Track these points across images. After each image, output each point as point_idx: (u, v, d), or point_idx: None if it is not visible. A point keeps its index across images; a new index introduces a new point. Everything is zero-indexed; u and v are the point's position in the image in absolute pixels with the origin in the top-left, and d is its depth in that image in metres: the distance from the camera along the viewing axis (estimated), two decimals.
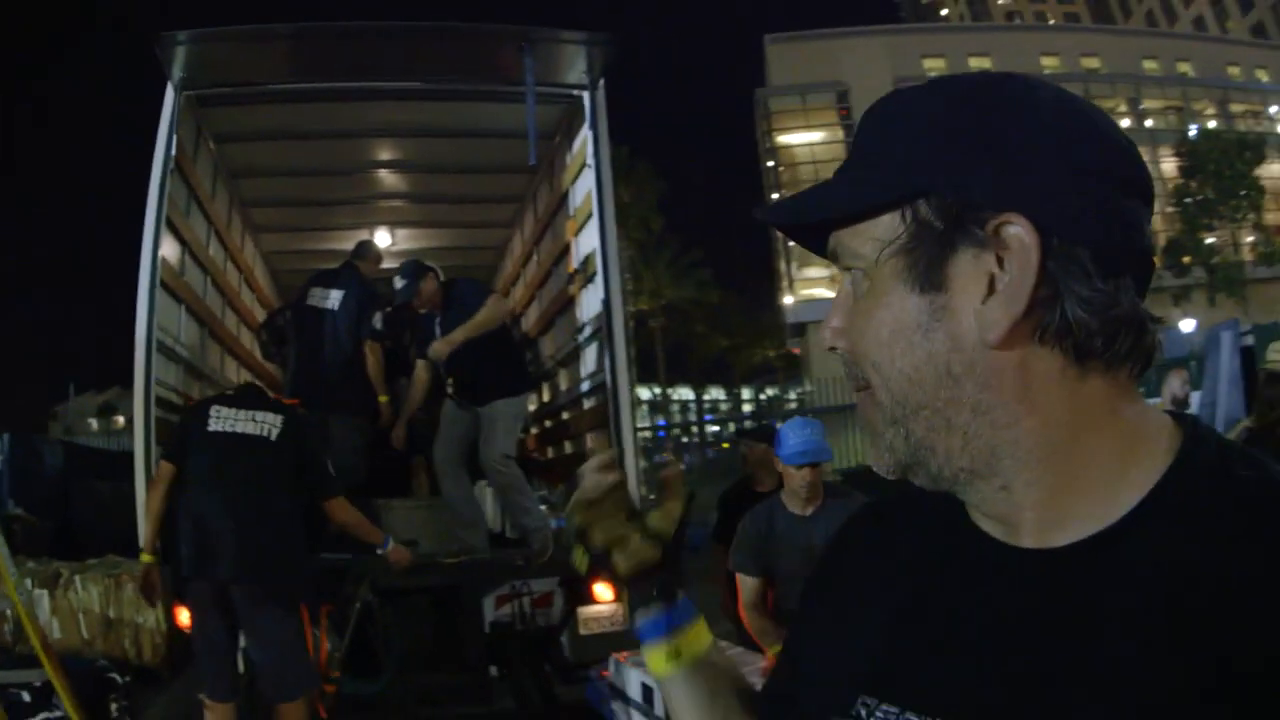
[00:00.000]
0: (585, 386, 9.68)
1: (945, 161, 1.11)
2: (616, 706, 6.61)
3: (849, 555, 1.47)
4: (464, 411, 8.83)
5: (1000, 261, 1.07)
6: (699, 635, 1.64)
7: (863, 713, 1.19)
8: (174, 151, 7.93)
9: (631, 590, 1.66)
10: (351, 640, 7.49)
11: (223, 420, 6.84)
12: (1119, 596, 1.03)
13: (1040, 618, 1.08)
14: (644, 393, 61.54)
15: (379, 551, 7.27)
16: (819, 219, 1.21)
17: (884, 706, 1.17)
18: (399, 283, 8.92)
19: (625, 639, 7.90)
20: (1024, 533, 1.13)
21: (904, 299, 1.12)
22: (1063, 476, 1.09)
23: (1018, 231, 1.06)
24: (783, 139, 75.51)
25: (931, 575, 1.25)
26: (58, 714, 6.49)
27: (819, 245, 1.27)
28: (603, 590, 8.24)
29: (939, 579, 1.23)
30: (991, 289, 1.08)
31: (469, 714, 7.51)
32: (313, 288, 9.48)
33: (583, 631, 8.25)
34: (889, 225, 1.13)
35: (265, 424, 6.87)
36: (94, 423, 69.47)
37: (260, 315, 12.30)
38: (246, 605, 6.62)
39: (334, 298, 9.32)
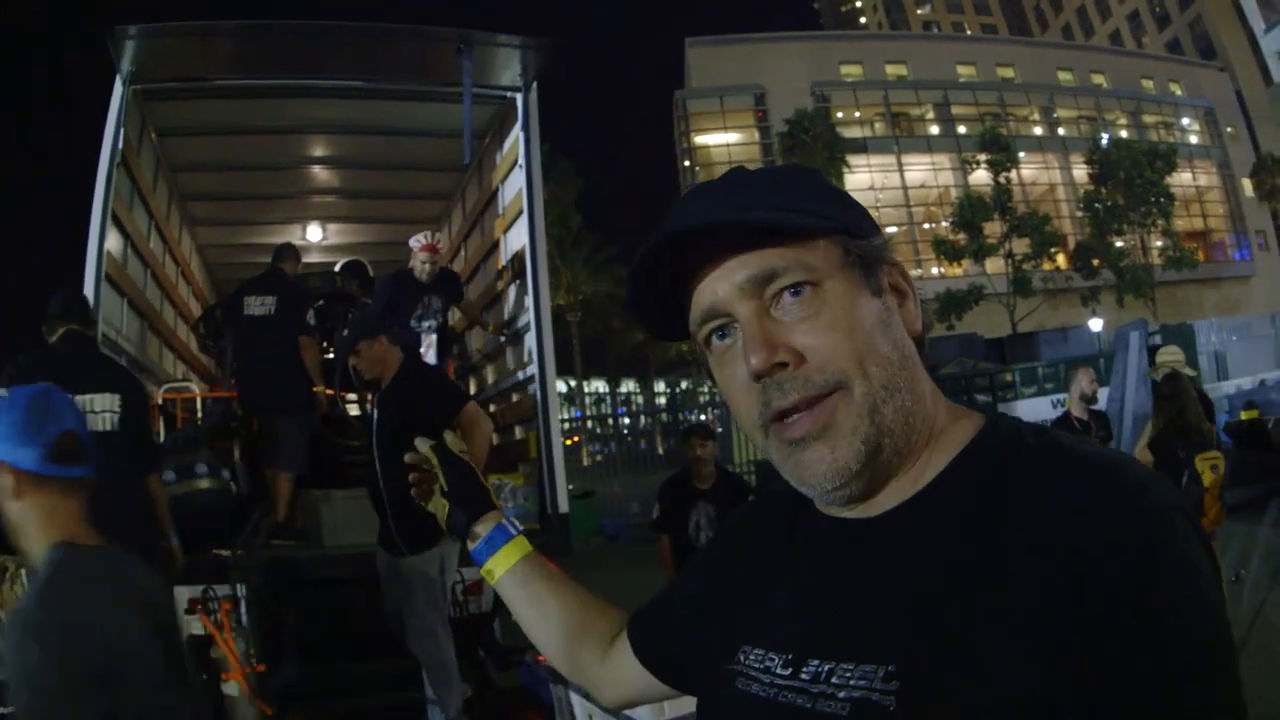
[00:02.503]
0: (513, 380, 9.81)
1: (844, 213, 1.49)
2: (556, 690, 6.49)
3: (737, 535, 1.86)
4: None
5: (896, 278, 1.51)
6: (509, 553, 2.16)
7: (741, 657, 1.56)
8: (120, 145, 7.97)
9: (453, 534, 2.27)
10: (264, 631, 7.42)
11: None
12: (899, 547, 1.41)
13: (857, 567, 1.46)
14: (560, 385, 61.21)
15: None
16: (770, 224, 1.42)
17: (755, 650, 1.54)
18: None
19: None
20: (857, 508, 1.50)
21: (869, 300, 1.44)
22: (909, 454, 1.46)
23: (897, 262, 1.52)
24: (700, 139, 75.73)
25: (788, 548, 1.64)
26: None
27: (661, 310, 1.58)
28: None
29: (792, 550, 1.63)
30: (901, 297, 1.50)
31: (404, 701, 7.51)
32: (246, 297, 9.57)
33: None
34: (826, 249, 1.43)
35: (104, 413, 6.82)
36: None
37: (196, 308, 12.43)
38: None
39: (268, 303, 9.47)
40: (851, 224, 1.48)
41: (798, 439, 1.41)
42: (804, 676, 1.41)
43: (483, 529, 2.18)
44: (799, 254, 1.42)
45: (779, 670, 1.46)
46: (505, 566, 2.13)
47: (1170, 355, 11.01)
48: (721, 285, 1.45)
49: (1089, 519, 1.22)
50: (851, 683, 1.33)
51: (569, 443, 38.06)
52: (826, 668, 1.38)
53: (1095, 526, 1.22)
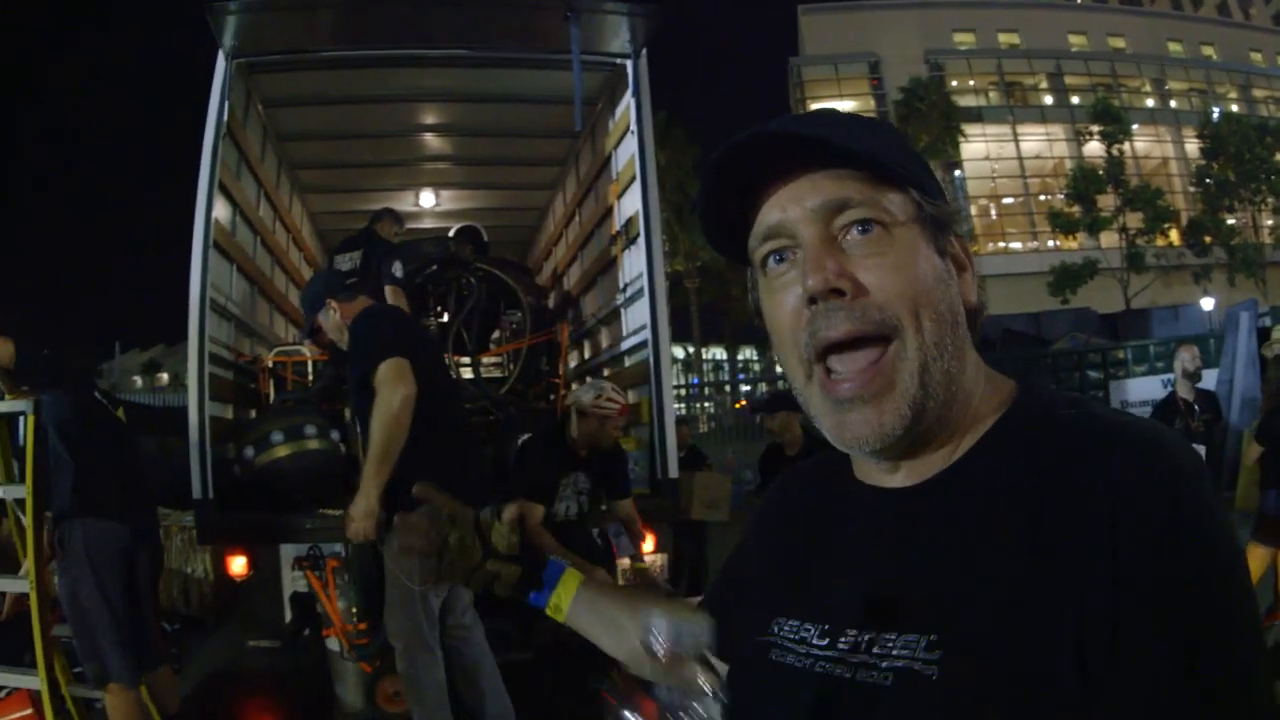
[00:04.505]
0: (626, 345, 9.80)
1: (924, 172, 1.49)
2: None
3: (771, 511, 1.86)
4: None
5: (958, 250, 1.51)
6: (568, 585, 2.02)
7: (775, 629, 1.56)
8: (225, 117, 8.04)
9: (517, 595, 2.05)
10: (366, 590, 7.47)
11: None
12: (939, 519, 1.40)
13: (895, 537, 1.45)
14: (678, 351, 61.61)
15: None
16: (858, 152, 1.40)
17: (790, 621, 1.53)
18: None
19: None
20: (893, 476, 1.50)
21: (932, 257, 1.44)
22: (949, 421, 1.45)
23: (961, 234, 1.53)
24: (815, 106, 75.31)
25: (824, 520, 1.63)
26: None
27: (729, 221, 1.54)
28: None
29: (829, 521, 1.61)
30: (960, 269, 1.50)
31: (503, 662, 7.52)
32: (336, 255, 9.82)
33: (621, 582, 8.22)
34: (902, 199, 1.43)
35: None
36: (139, 380, 69.68)
37: (307, 274, 12.50)
38: None
39: (354, 258, 9.81)
40: (929, 184, 1.48)
41: (847, 399, 1.41)
42: (842, 646, 1.41)
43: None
44: (875, 193, 1.42)
45: (815, 640, 1.47)
46: (570, 597, 2.03)
47: None
48: (792, 206, 1.44)
49: (1123, 489, 1.23)
50: (894, 652, 1.33)
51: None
52: (866, 638, 1.38)
53: (1130, 497, 1.22)
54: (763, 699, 1.50)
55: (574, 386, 10.83)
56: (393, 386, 5.88)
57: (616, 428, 7.62)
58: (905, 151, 1.50)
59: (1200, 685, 1.15)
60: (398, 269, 9.89)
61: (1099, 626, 1.18)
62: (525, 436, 8.49)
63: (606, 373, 10.65)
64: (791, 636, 1.51)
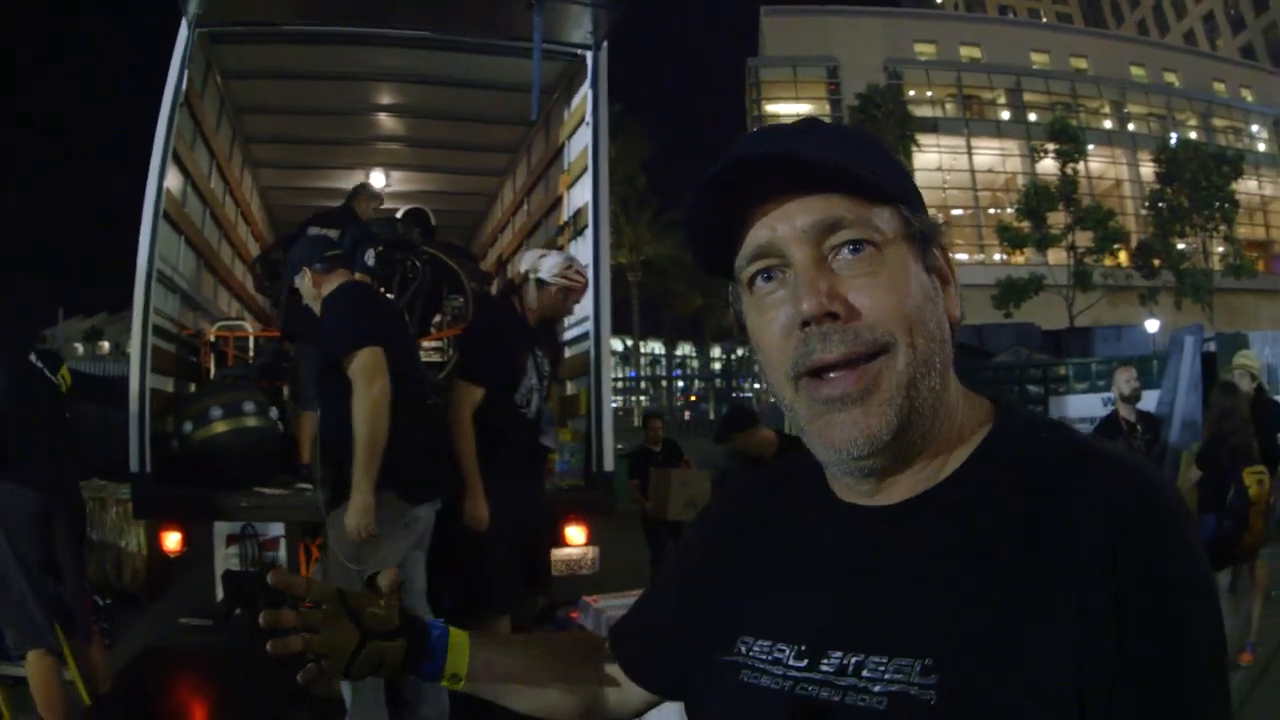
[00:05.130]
0: (568, 335, 9.61)
1: (909, 186, 1.50)
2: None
3: (730, 518, 1.80)
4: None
5: (942, 263, 1.51)
6: (459, 649, 1.80)
7: (742, 649, 1.54)
8: (184, 86, 7.94)
9: (408, 672, 1.78)
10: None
11: None
12: (926, 540, 1.40)
13: (882, 556, 1.44)
14: (616, 344, 61.75)
15: None
16: (853, 173, 1.39)
17: (760, 642, 1.51)
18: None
19: (595, 582, 8.12)
20: (875, 495, 1.49)
21: (920, 275, 1.45)
22: (931, 439, 1.46)
23: (945, 246, 1.54)
24: (771, 108, 75.68)
25: (796, 535, 1.60)
26: None
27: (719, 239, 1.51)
28: (575, 533, 8.40)
29: (802, 538, 1.59)
30: (944, 281, 1.50)
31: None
32: (311, 226, 9.64)
33: (553, 573, 8.34)
34: (890, 215, 1.43)
35: None
36: (79, 347, 69.18)
37: (254, 249, 12.49)
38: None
39: (330, 236, 9.44)
40: (914, 198, 1.49)
41: (834, 398, 1.40)
42: (825, 668, 1.39)
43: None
44: (866, 212, 1.41)
45: (792, 661, 1.44)
46: (464, 662, 1.80)
47: (1245, 360, 10.80)
48: (781, 225, 1.43)
49: (1117, 518, 1.27)
50: (886, 676, 1.31)
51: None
52: (854, 660, 1.36)
53: (1124, 526, 1.26)
54: None
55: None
56: (369, 379, 5.78)
57: (575, 303, 7.26)
58: (891, 164, 1.50)
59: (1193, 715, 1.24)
60: (370, 257, 9.71)
61: (1091, 656, 1.21)
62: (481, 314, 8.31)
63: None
64: (764, 657, 1.49)
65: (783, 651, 1.46)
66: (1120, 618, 1.21)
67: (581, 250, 9.01)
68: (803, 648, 1.43)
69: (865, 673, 1.33)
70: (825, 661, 1.39)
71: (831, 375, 1.39)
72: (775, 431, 8.64)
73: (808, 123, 1.51)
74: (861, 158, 1.42)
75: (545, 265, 6.89)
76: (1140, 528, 1.26)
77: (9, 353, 6.69)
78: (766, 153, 1.42)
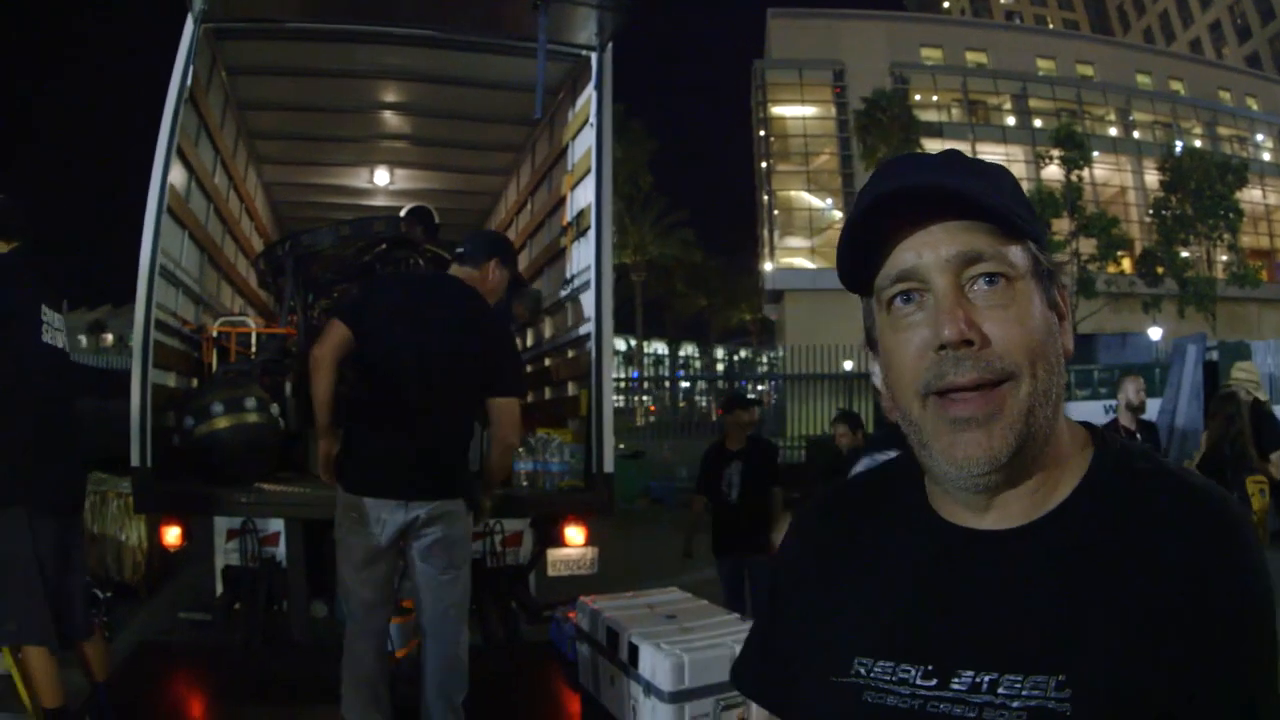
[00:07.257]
0: (570, 336, 9.78)
1: (1038, 224, 1.56)
2: (580, 648, 6.65)
3: (816, 544, 1.85)
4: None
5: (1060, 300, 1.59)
6: None
7: (861, 670, 1.57)
8: (189, 81, 7.93)
9: None
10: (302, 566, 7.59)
11: None
12: (1046, 565, 1.47)
13: (1005, 579, 1.50)
14: (620, 344, 61.72)
15: None
16: (1003, 213, 1.49)
17: (881, 663, 1.55)
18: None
19: (592, 582, 8.15)
20: (984, 515, 1.56)
21: (1044, 311, 1.54)
22: (1040, 466, 1.54)
23: (1065, 285, 1.63)
24: (776, 110, 75.49)
25: (899, 556, 1.64)
26: None
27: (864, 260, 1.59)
28: (573, 533, 8.41)
29: (906, 559, 1.63)
30: (1060, 318, 1.58)
31: None
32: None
33: (551, 573, 8.45)
34: (1022, 252, 1.53)
35: None
36: (83, 339, 69.13)
37: (258, 245, 12.48)
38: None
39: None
40: (1042, 236, 1.58)
41: (963, 418, 1.48)
42: (956, 687, 1.45)
43: None
44: (1003, 246, 1.51)
45: (919, 681, 1.49)
46: None
47: (1243, 373, 10.80)
48: (927, 253, 1.52)
49: (1206, 550, 1.40)
50: (1024, 693, 1.38)
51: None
52: (988, 678, 1.42)
53: (1212, 558, 1.39)
54: None
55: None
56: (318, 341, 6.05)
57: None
58: (1024, 201, 1.59)
59: None
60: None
61: (1188, 679, 1.33)
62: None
63: (548, 363, 10.73)
64: (887, 677, 1.53)
65: (908, 672, 1.51)
66: (1209, 638, 1.34)
67: (585, 250, 9.07)
68: (929, 667, 1.49)
69: (1001, 690, 1.40)
70: (956, 680, 1.45)
71: (959, 397, 1.48)
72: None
73: (950, 155, 1.60)
74: (1002, 194, 1.53)
75: None
76: (1225, 555, 1.39)
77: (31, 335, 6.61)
78: (925, 184, 1.51)
